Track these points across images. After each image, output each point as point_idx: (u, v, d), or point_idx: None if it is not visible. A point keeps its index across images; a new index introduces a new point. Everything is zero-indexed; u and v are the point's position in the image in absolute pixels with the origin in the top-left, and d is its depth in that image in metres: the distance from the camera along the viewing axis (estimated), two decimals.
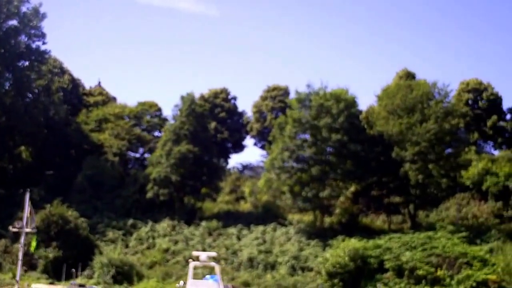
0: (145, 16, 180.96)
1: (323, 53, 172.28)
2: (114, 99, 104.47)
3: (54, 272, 58.63)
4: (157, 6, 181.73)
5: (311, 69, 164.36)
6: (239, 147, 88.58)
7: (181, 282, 38.49)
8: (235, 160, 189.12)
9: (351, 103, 68.71)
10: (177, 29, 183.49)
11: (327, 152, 67.86)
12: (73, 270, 56.32)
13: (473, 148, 78.35)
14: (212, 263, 37.26)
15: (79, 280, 56.30)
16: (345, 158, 67.12)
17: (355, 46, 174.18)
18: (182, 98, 74.44)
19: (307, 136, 68.72)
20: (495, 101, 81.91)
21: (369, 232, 66.58)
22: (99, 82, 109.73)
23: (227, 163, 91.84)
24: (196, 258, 37.14)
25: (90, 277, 59.46)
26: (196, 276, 40.31)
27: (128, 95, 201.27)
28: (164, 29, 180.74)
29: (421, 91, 67.62)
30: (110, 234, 68.03)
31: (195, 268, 37.93)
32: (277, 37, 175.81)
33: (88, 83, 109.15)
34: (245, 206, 77.64)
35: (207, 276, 40.97)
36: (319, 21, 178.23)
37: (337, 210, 71.29)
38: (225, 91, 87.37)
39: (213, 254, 38.60)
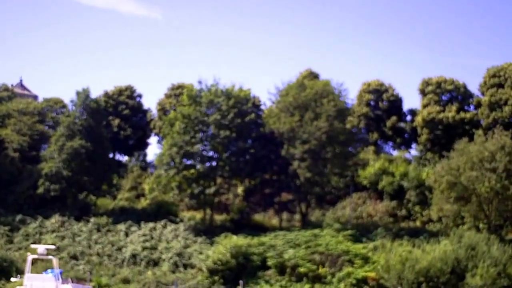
0: (87, 17, 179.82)
1: (234, 54, 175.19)
2: (35, 97, 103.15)
3: None
4: (101, 8, 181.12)
5: (222, 69, 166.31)
6: (143, 145, 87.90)
7: (18, 276, 37.84)
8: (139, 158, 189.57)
9: (243, 100, 68.57)
10: (109, 31, 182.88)
11: (215, 149, 67.62)
12: None
13: (372, 148, 79.25)
14: (50, 256, 36.67)
15: None
16: (235, 155, 66.96)
17: (265, 47, 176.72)
18: (77, 93, 73.40)
19: (202, 134, 68.54)
20: (396, 102, 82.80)
21: (262, 230, 66.76)
22: (21, 81, 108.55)
23: (144, 161, 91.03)
24: (35, 251, 36.52)
25: None
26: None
27: (50, 93, 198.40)
28: (99, 31, 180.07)
29: (314, 90, 67.91)
30: None
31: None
32: (194, 37, 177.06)
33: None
34: (145, 203, 76.78)
35: (48, 270, 40.42)
36: (234, 21, 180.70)
37: (234, 208, 71.50)
38: (130, 89, 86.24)
39: (52, 247, 38.05)
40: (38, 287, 37.90)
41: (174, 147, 66.24)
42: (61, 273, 40.80)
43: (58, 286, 38.08)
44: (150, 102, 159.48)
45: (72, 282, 42.72)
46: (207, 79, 70.47)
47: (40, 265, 59.08)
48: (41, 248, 36.12)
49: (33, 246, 38.44)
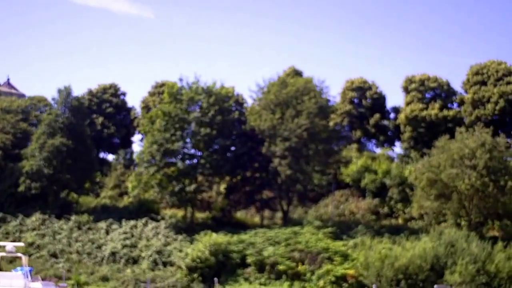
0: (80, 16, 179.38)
1: (226, 52, 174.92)
2: (23, 96, 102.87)
3: None
4: (93, 7, 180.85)
5: (213, 68, 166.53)
6: (127, 143, 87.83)
7: None
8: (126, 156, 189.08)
9: (224, 98, 68.39)
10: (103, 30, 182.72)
11: (196, 147, 67.48)
12: None
13: (355, 145, 79.22)
14: (19, 254, 36.48)
15: None
16: (216, 153, 66.80)
17: (255, 45, 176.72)
18: (59, 91, 73.22)
19: (182, 131, 68.24)
20: (379, 99, 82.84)
21: (244, 228, 66.62)
22: (8, 79, 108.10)
23: (130, 159, 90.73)
24: (2, 249, 36.33)
25: None
26: None
27: (38, 92, 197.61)
28: (91, 30, 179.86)
29: (295, 87, 67.78)
30: None
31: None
32: (185, 36, 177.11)
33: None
34: (128, 201, 76.59)
35: (18, 268, 40.22)
36: (227, 21, 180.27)
37: (215, 205, 71.40)
38: (114, 87, 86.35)
39: (21, 244, 37.83)
40: (6, 285, 37.78)
41: (155, 145, 65.97)
42: (30, 271, 40.62)
43: (27, 284, 37.93)
44: (136, 100, 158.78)
45: (43, 280, 42.56)
46: (188, 77, 70.50)
47: (19, 263, 59.11)
48: (9, 245, 35.89)
49: (0, 243, 38.16)
